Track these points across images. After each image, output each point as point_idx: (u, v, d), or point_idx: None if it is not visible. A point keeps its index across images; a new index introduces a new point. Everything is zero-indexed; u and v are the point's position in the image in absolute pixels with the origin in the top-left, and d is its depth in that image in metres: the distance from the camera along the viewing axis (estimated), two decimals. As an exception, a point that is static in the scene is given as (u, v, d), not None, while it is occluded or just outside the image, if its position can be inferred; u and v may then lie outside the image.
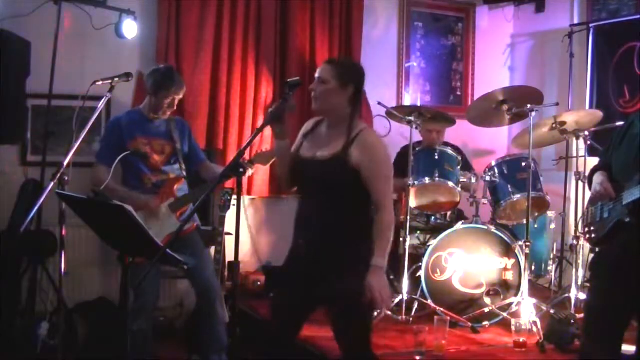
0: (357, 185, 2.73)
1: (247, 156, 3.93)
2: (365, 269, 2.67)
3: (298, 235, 2.85)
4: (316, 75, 2.82)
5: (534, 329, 3.97)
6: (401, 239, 4.40)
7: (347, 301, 2.71)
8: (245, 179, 4.80)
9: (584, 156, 4.53)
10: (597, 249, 3.26)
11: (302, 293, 2.81)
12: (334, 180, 2.73)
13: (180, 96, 3.75)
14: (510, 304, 4.30)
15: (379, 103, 4.77)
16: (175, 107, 3.75)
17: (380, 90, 5.49)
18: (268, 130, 4.88)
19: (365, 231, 2.74)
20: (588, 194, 3.31)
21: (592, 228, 3.12)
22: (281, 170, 2.93)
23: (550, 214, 5.04)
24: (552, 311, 4.13)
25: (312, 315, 2.87)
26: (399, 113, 4.60)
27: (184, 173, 3.77)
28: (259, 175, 5.21)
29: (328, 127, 2.86)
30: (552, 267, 5.07)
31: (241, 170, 2.63)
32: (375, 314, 4.13)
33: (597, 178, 3.07)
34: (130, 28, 4.71)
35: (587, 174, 3.50)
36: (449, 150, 4.65)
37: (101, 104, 3.38)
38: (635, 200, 2.82)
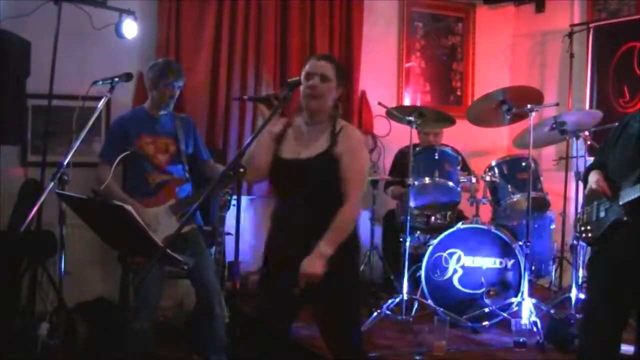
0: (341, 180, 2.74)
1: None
2: (352, 264, 2.77)
3: (281, 236, 2.80)
4: (314, 71, 2.75)
5: (534, 329, 3.98)
6: (401, 239, 4.41)
7: (339, 296, 2.71)
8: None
9: (584, 156, 4.53)
10: (594, 248, 3.26)
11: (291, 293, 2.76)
12: (322, 178, 2.71)
13: (181, 84, 3.71)
14: (510, 304, 4.30)
15: (379, 103, 4.76)
16: (176, 96, 3.71)
17: (380, 90, 5.47)
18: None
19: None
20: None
21: (588, 227, 3.13)
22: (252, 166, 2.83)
23: (550, 214, 5.04)
24: (552, 311, 4.14)
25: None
26: (399, 113, 4.59)
27: (187, 175, 3.76)
28: (259, 175, 5.21)
29: (309, 124, 2.81)
30: (552, 267, 5.07)
31: (241, 170, 2.62)
32: (375, 314, 4.14)
33: (593, 176, 3.09)
34: (130, 28, 4.70)
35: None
36: (449, 150, 4.65)
37: (101, 104, 3.37)
38: (632, 200, 2.83)
